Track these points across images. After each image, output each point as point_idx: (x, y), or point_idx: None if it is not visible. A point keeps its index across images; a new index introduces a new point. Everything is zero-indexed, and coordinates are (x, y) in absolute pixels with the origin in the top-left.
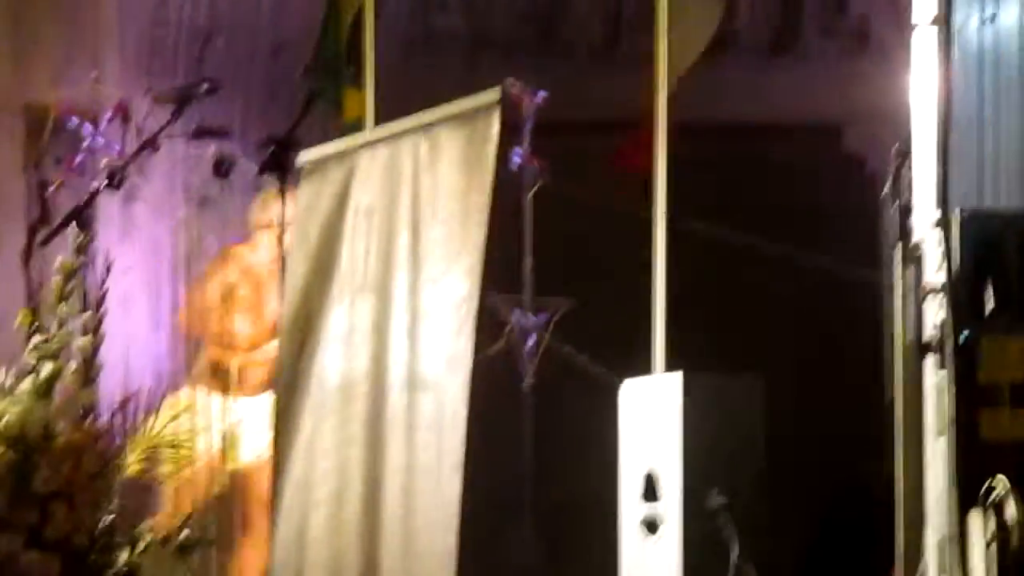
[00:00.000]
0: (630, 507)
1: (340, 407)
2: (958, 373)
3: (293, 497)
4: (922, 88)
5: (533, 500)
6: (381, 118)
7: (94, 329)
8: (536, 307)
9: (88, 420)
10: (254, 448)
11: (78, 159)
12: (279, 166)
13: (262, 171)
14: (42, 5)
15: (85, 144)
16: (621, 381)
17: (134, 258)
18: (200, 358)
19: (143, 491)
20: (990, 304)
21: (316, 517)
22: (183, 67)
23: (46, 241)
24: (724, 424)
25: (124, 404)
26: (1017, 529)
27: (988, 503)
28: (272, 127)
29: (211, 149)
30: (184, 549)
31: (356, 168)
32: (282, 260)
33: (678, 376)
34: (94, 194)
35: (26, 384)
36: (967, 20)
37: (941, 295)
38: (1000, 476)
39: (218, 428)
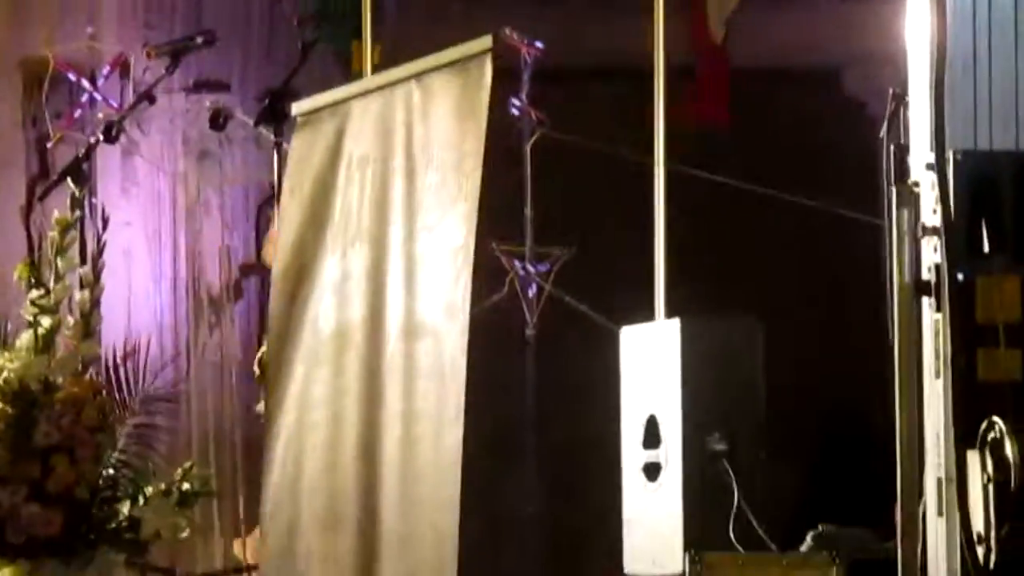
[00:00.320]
0: (631, 454)
1: (334, 356)
2: (954, 314)
3: (287, 446)
4: (917, 30)
5: (536, 446)
6: (379, 69)
7: (92, 283)
8: (537, 256)
9: (88, 373)
10: None
11: (76, 114)
12: (276, 117)
13: (257, 123)
14: None
15: (83, 98)
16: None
17: (134, 212)
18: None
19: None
20: (986, 245)
21: (310, 466)
22: (181, 20)
23: (44, 195)
24: (724, 369)
25: (126, 357)
26: (1014, 469)
27: (986, 443)
28: (271, 79)
29: (206, 103)
30: (185, 501)
31: (349, 118)
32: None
33: (676, 322)
34: (91, 148)
35: (25, 338)
36: None
37: (937, 236)
38: (996, 418)
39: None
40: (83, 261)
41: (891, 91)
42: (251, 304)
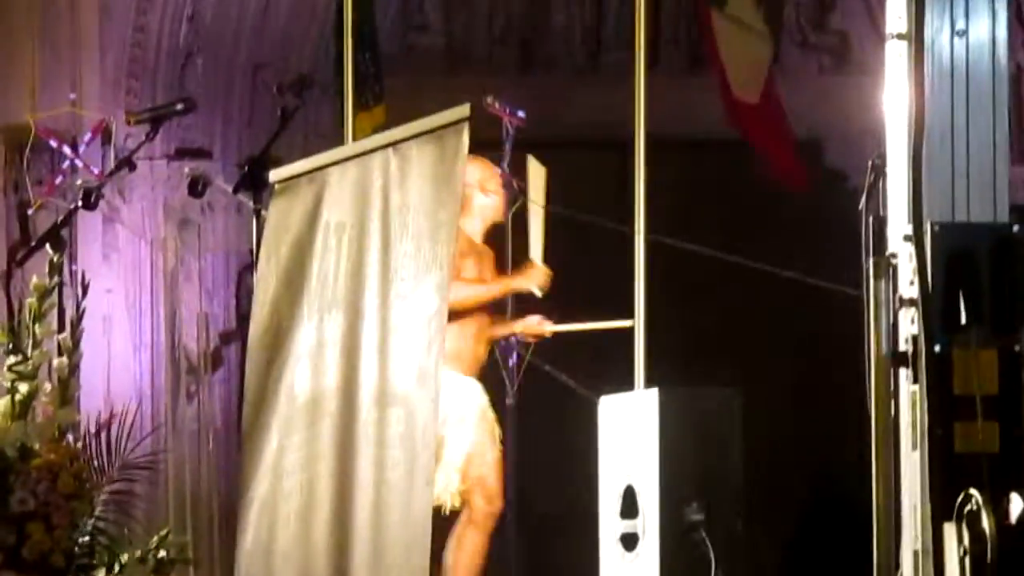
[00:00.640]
0: (609, 523)
1: (308, 423)
2: (932, 385)
3: (260, 513)
4: (895, 102)
5: (515, 514)
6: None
7: (71, 349)
8: None
9: (65, 440)
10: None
11: (57, 180)
12: (255, 184)
13: (236, 190)
14: (20, 26)
15: (65, 165)
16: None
17: (115, 279)
18: None
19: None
20: (963, 316)
21: (284, 533)
22: (163, 88)
23: (22, 261)
24: (701, 439)
25: (106, 423)
26: (991, 541)
27: (962, 516)
28: (253, 146)
29: (186, 169)
30: (161, 568)
31: (327, 185)
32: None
33: (654, 392)
34: (69, 214)
35: (2, 404)
36: (939, 33)
37: (914, 308)
38: (972, 490)
39: None
40: (63, 327)
41: (870, 162)
42: (231, 371)
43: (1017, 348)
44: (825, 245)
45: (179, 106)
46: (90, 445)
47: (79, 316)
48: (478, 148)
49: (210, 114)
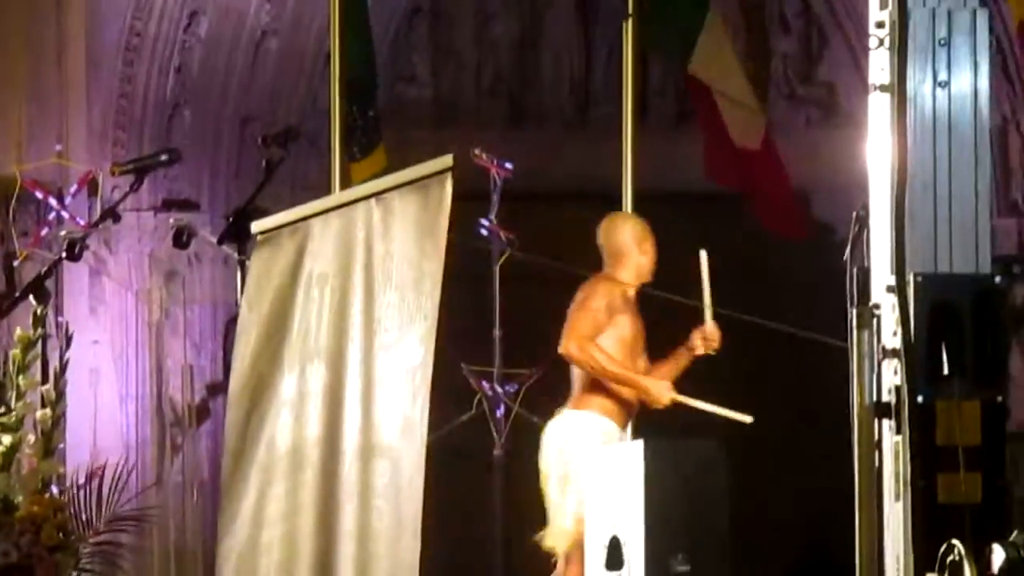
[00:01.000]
0: (595, 574)
1: (290, 474)
2: (914, 436)
3: (238, 565)
4: (878, 153)
5: (503, 567)
6: (348, 186)
7: (54, 401)
8: (505, 376)
9: (49, 492)
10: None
11: (43, 232)
12: (240, 236)
13: (221, 241)
14: (7, 76)
15: (51, 216)
16: None
17: (101, 330)
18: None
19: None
20: (946, 367)
21: None
22: (150, 139)
23: (6, 313)
24: (687, 491)
25: (91, 476)
26: None
27: (945, 566)
28: (240, 198)
29: (171, 220)
30: None
31: (309, 236)
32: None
33: (640, 444)
34: (53, 265)
35: None
36: (921, 85)
37: (897, 359)
38: (955, 540)
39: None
40: (47, 379)
41: (855, 214)
42: (218, 423)
43: (999, 399)
44: (812, 297)
45: (164, 157)
46: (76, 497)
47: (63, 368)
48: (465, 199)
49: (197, 166)
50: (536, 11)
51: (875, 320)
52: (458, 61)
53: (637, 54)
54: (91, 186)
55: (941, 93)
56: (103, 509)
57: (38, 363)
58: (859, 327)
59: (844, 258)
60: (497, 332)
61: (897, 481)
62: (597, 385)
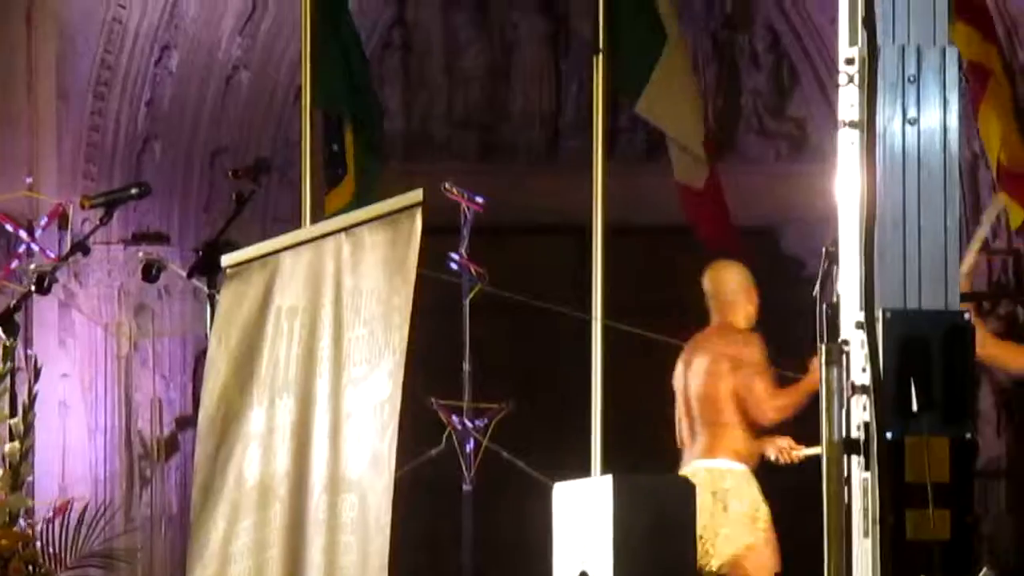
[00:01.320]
0: None
1: (258, 509)
2: (883, 473)
3: None
4: (847, 189)
5: None
6: (319, 218)
7: (22, 434)
8: (475, 411)
9: (17, 525)
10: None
11: (13, 264)
12: (210, 269)
13: (191, 274)
14: None
15: (20, 249)
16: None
17: (71, 364)
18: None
19: None
20: (915, 404)
21: None
22: (121, 172)
23: None
24: (656, 526)
25: (60, 511)
26: None
27: None
28: (210, 231)
29: (141, 254)
30: None
31: (279, 270)
32: None
33: (608, 479)
34: (23, 298)
35: None
36: (890, 121)
37: (866, 395)
38: None
39: None
40: (16, 412)
41: (824, 249)
42: (187, 457)
43: (968, 436)
44: (781, 332)
45: (134, 190)
46: (45, 531)
47: (32, 401)
48: (435, 233)
49: (167, 199)
50: (506, 45)
51: (844, 356)
52: (429, 94)
53: (607, 88)
54: (61, 219)
55: (911, 130)
56: (73, 544)
57: (7, 396)
58: (828, 363)
59: (813, 293)
60: (467, 366)
61: (866, 517)
62: (727, 433)
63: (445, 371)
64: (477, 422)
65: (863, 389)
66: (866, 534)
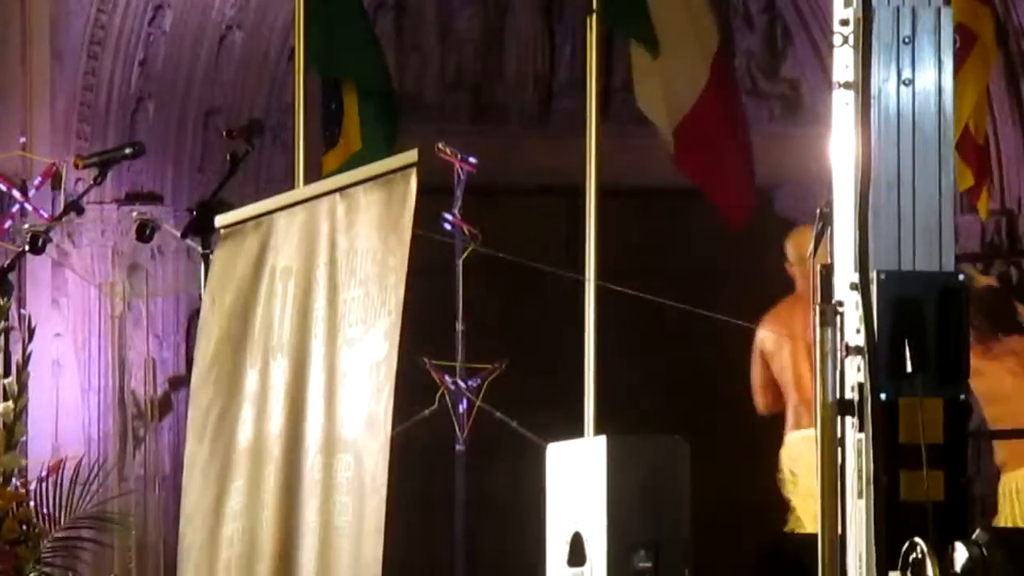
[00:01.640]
0: (556, 571)
1: (252, 469)
2: (877, 434)
3: (198, 559)
4: (842, 150)
5: (465, 561)
6: (313, 180)
7: (16, 394)
8: (468, 371)
9: (10, 485)
10: None
11: (7, 224)
12: (203, 229)
13: (184, 235)
14: None
15: (14, 209)
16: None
17: (64, 323)
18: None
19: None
20: (909, 365)
21: None
22: (114, 133)
23: None
24: (650, 487)
25: (53, 470)
26: None
27: (908, 564)
28: (204, 192)
29: (134, 214)
30: None
31: (273, 230)
32: None
33: (602, 440)
34: (16, 258)
35: None
36: (885, 83)
37: (860, 356)
38: (917, 539)
39: None
40: (10, 372)
41: (818, 210)
42: (180, 417)
43: (962, 397)
44: (775, 293)
45: (128, 150)
46: (38, 491)
47: (25, 360)
48: (429, 194)
49: (161, 159)
50: (500, 6)
51: (838, 317)
52: (422, 56)
53: (600, 49)
54: (55, 179)
55: (905, 91)
56: (66, 504)
57: (0, 356)
58: (822, 324)
59: (807, 255)
60: (460, 327)
61: (860, 479)
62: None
63: (438, 331)
64: (470, 382)
65: (857, 350)
66: (860, 495)
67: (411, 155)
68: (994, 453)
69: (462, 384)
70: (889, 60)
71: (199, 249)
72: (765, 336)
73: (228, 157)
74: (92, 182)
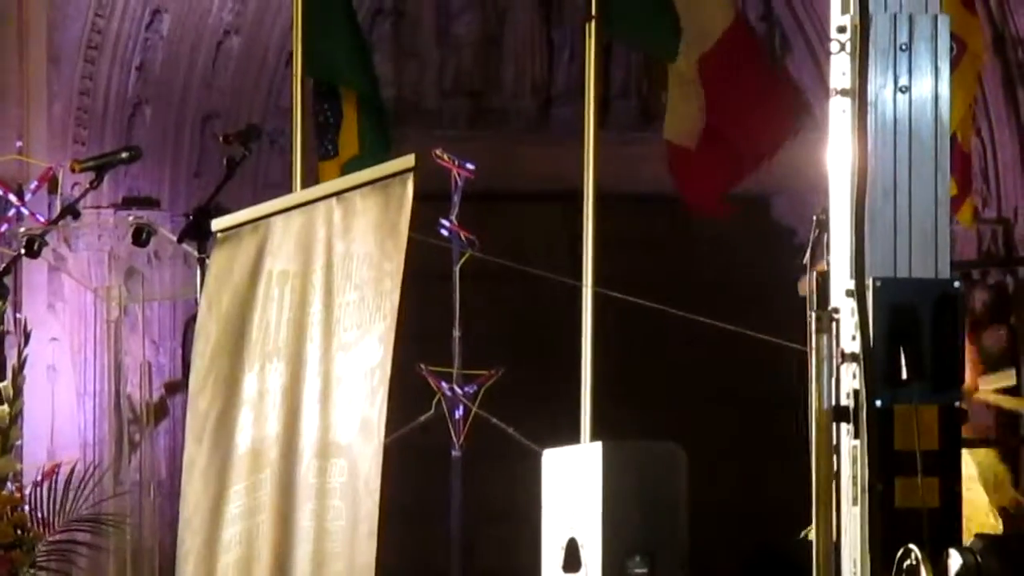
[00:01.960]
0: None
1: (249, 472)
2: (872, 441)
3: (197, 564)
4: (838, 157)
5: (460, 566)
6: (310, 184)
7: (11, 398)
8: (465, 377)
9: (5, 489)
10: None
11: (3, 228)
12: (200, 234)
13: (181, 239)
14: None
15: (10, 213)
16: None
17: (60, 328)
18: None
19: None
20: (904, 372)
21: None
22: (111, 137)
23: None
24: (645, 493)
25: (49, 475)
26: None
27: (902, 570)
28: (201, 196)
29: (131, 218)
30: None
31: (270, 234)
32: None
33: (598, 446)
34: (12, 262)
35: None
36: (882, 90)
37: (856, 363)
38: (912, 545)
39: None
40: (5, 376)
41: (815, 217)
42: (176, 421)
43: (957, 404)
44: (771, 300)
45: (124, 154)
46: (33, 495)
47: (21, 364)
48: (426, 200)
49: (158, 164)
50: (498, 12)
51: (834, 324)
52: (420, 61)
53: (599, 55)
54: (51, 183)
55: (902, 98)
56: (61, 508)
57: None
58: (818, 331)
59: (804, 261)
60: (456, 333)
61: (855, 485)
62: None
63: (435, 337)
64: (467, 388)
65: (853, 357)
66: (855, 501)
67: (408, 160)
68: None
69: (458, 390)
70: (886, 67)
71: (196, 254)
72: None
73: (225, 162)
74: (89, 186)
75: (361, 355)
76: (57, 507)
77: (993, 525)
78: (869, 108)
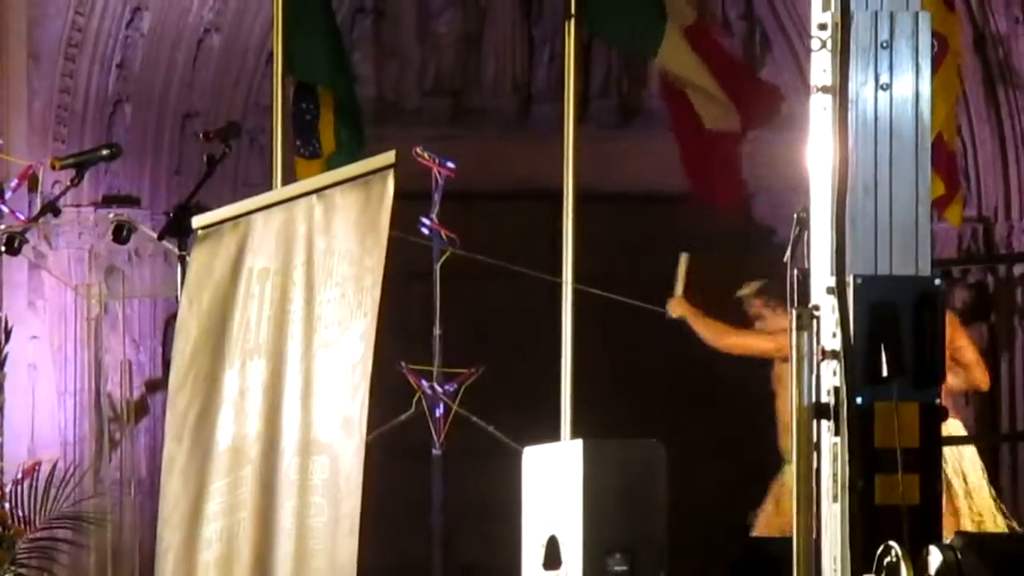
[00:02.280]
0: (532, 574)
1: (230, 470)
2: (853, 438)
3: (176, 561)
4: (819, 154)
5: (441, 564)
6: (290, 182)
7: None
8: (445, 375)
9: None
10: None
11: None
12: (181, 231)
13: (161, 236)
14: None
15: None
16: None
17: (41, 325)
18: None
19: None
20: (885, 369)
21: None
22: (91, 135)
23: None
24: (625, 490)
25: (29, 472)
26: None
27: (882, 568)
28: (181, 194)
29: (111, 216)
30: None
31: (250, 231)
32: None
33: (578, 443)
34: None
35: None
36: (863, 87)
37: (836, 360)
38: (892, 542)
39: None
40: None
41: (795, 215)
42: (157, 419)
43: (937, 401)
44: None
45: (105, 152)
46: (14, 493)
47: (1, 362)
48: (406, 198)
49: (138, 162)
50: (479, 11)
51: (815, 321)
52: (401, 60)
53: (579, 54)
54: (31, 181)
55: (883, 95)
56: (42, 506)
57: None
58: (799, 328)
59: (784, 259)
60: (437, 331)
61: (835, 482)
62: None
63: (415, 335)
64: (447, 386)
65: (833, 354)
66: (835, 499)
67: (388, 157)
68: None
69: (439, 388)
70: (867, 64)
71: (176, 251)
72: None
73: (205, 160)
74: (69, 184)
75: (342, 352)
76: (38, 505)
77: (1001, 526)
78: (850, 105)
